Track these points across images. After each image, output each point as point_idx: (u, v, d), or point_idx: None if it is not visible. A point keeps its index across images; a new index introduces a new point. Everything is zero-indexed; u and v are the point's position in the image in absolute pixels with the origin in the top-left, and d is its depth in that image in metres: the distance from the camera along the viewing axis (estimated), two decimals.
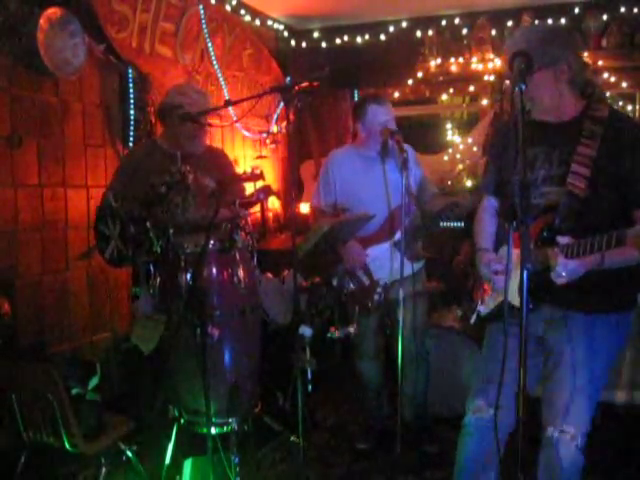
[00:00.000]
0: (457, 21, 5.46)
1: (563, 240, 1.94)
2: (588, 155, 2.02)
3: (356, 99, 5.85)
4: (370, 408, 3.56)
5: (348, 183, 3.32)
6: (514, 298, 2.05)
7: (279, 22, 5.78)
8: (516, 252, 2.05)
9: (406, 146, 3.13)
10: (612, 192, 2.02)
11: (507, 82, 2.22)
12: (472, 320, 2.38)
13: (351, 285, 3.29)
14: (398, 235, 3.20)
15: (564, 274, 1.92)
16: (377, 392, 3.50)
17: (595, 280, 1.99)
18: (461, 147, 5.58)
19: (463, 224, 3.53)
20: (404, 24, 5.61)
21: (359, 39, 5.78)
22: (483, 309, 2.33)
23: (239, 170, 4.36)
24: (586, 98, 2.12)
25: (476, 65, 5.32)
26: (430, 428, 3.52)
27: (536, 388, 2.25)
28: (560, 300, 2.10)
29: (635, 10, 4.97)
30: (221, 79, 4.88)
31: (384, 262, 3.22)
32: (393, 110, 3.27)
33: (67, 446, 2.52)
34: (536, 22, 5.16)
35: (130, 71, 3.92)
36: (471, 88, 5.48)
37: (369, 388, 3.51)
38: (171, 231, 2.78)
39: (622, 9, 5.00)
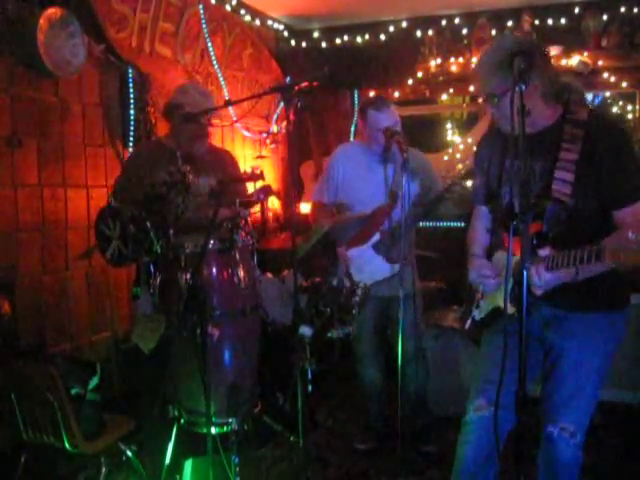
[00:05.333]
0: (457, 21, 5.46)
1: (543, 252, 1.97)
2: (571, 160, 2.02)
3: (356, 99, 5.85)
4: (370, 410, 3.55)
5: (349, 180, 3.32)
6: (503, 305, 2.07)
7: (279, 22, 5.78)
8: (503, 255, 2.08)
9: (415, 151, 3.17)
10: (595, 196, 2.02)
11: (480, 100, 2.20)
12: (467, 326, 2.39)
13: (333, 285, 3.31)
14: (377, 236, 3.21)
15: (540, 285, 1.96)
16: (377, 395, 3.49)
17: (590, 280, 2.00)
18: (461, 147, 5.58)
19: (463, 224, 3.53)
20: (404, 24, 5.61)
21: (359, 39, 5.78)
22: (477, 314, 2.34)
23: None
24: (563, 103, 2.11)
25: None
26: (431, 427, 3.51)
27: (534, 387, 2.25)
28: (558, 301, 2.11)
29: (635, 10, 4.97)
30: (221, 79, 4.88)
31: (364, 264, 3.22)
32: (396, 112, 3.22)
33: (67, 446, 2.52)
34: (536, 22, 5.18)
35: (130, 71, 3.92)
36: (471, 88, 5.46)
37: (369, 391, 3.50)
38: (171, 231, 2.78)
39: (622, 9, 5.00)
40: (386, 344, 3.47)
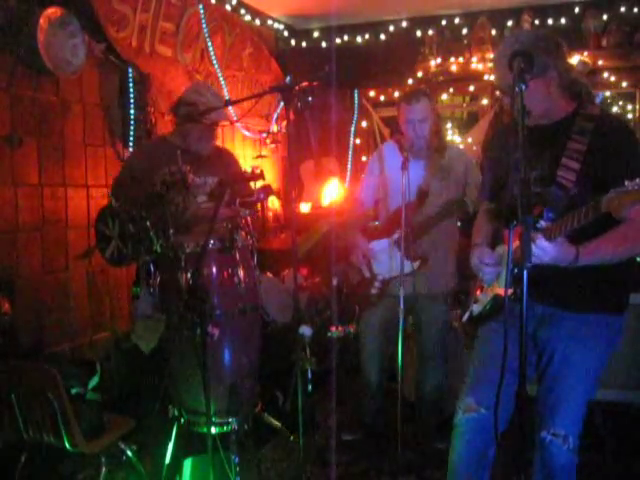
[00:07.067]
0: (457, 21, 5.47)
1: (543, 224, 1.96)
2: (578, 150, 2.04)
3: (356, 99, 5.86)
4: (367, 405, 3.54)
5: (385, 177, 3.34)
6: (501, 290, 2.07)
7: (279, 22, 5.78)
8: (505, 248, 2.07)
9: (453, 148, 3.24)
10: (599, 189, 2.02)
11: (497, 93, 2.21)
12: (464, 318, 2.39)
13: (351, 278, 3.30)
14: (398, 233, 3.21)
15: (537, 255, 1.88)
16: (378, 391, 3.48)
17: (586, 279, 2.00)
18: (461, 147, 5.58)
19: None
20: (404, 24, 5.62)
21: (359, 39, 5.78)
22: (476, 308, 2.33)
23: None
24: (576, 98, 2.14)
25: (476, 65, 5.32)
26: (447, 425, 3.48)
27: (530, 387, 2.24)
28: (551, 298, 2.11)
29: (635, 10, 4.98)
30: (221, 79, 4.88)
31: (384, 257, 3.23)
32: (426, 106, 3.12)
33: (67, 446, 2.52)
34: (536, 22, 5.18)
35: (130, 71, 3.92)
36: (471, 88, 5.48)
37: (370, 387, 3.50)
38: (171, 231, 2.78)
39: (622, 9, 5.01)
40: (390, 343, 3.47)
